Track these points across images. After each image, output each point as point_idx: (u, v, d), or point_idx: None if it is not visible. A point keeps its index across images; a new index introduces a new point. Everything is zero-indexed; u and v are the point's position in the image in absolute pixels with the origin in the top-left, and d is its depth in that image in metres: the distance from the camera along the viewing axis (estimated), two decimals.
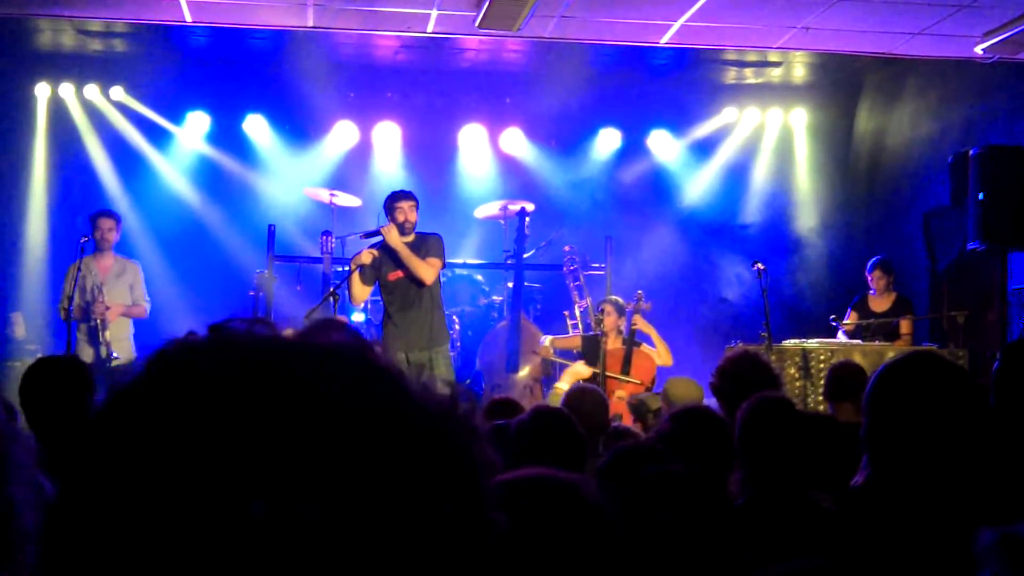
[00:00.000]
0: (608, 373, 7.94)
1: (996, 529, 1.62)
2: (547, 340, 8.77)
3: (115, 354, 8.52)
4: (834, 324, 8.83)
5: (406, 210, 7.81)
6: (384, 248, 7.80)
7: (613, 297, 8.66)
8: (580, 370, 7.74)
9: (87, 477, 0.71)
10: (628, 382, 8.03)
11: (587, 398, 4.57)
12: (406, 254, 7.70)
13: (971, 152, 8.27)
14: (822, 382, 6.27)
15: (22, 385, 3.89)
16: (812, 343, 8.24)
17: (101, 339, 8.47)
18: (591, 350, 8.21)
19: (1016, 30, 7.59)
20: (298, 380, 0.71)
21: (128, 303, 8.82)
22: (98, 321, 8.51)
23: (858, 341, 8.50)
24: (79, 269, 8.46)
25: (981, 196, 7.97)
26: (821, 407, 6.94)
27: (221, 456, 0.68)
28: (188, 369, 0.72)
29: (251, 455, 0.68)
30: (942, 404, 2.05)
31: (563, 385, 7.17)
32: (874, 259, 9.27)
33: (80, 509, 0.70)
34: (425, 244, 7.83)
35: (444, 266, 8.04)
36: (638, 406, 5.95)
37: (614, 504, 1.88)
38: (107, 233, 8.73)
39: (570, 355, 8.62)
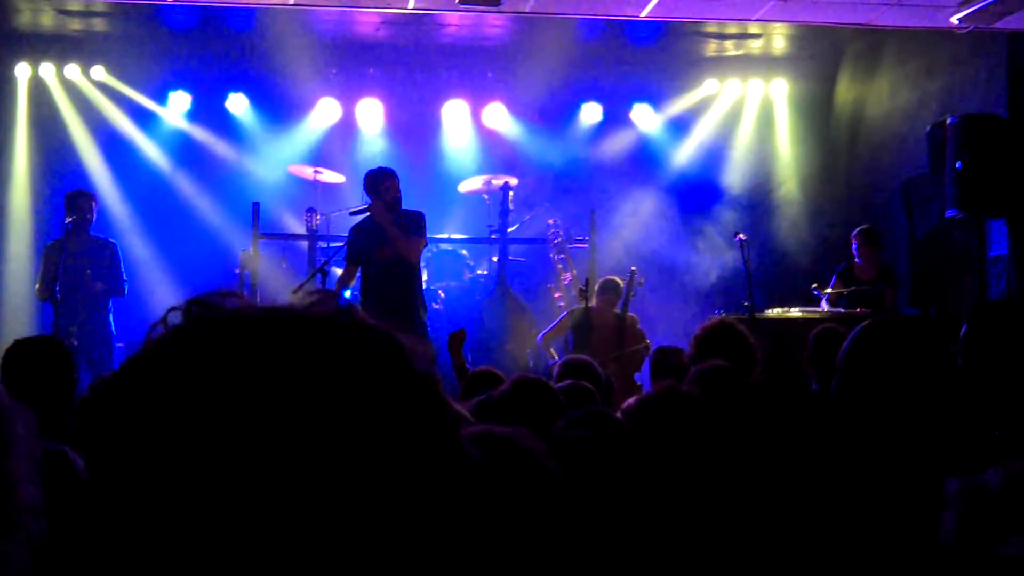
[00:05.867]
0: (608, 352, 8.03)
1: (961, 478, 1.70)
2: (542, 342, 8.62)
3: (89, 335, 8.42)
4: (816, 293, 8.88)
5: (395, 188, 7.80)
6: (368, 225, 7.78)
7: (616, 281, 8.58)
8: None
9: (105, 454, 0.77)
10: (627, 352, 8.11)
11: (580, 368, 4.63)
12: (395, 233, 7.67)
13: (949, 121, 8.33)
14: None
15: (2, 366, 3.89)
16: (794, 312, 8.31)
17: (77, 322, 8.35)
18: (583, 325, 8.24)
19: (989, 0, 7.63)
20: (296, 351, 0.77)
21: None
22: (81, 304, 8.42)
23: (840, 310, 8.56)
24: (62, 251, 8.32)
25: (959, 165, 8.03)
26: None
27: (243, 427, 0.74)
28: (207, 346, 0.78)
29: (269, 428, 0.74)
30: (908, 366, 2.17)
31: None
32: (860, 228, 9.19)
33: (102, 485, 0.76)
34: (409, 221, 7.83)
35: (426, 244, 8.05)
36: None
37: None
38: (91, 213, 8.67)
39: (560, 343, 8.62)
